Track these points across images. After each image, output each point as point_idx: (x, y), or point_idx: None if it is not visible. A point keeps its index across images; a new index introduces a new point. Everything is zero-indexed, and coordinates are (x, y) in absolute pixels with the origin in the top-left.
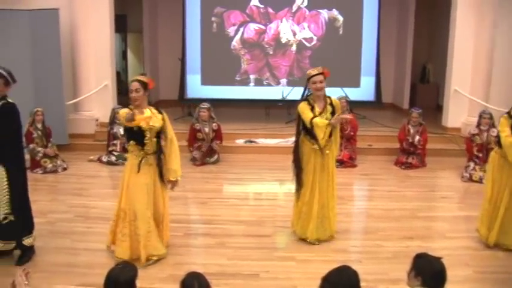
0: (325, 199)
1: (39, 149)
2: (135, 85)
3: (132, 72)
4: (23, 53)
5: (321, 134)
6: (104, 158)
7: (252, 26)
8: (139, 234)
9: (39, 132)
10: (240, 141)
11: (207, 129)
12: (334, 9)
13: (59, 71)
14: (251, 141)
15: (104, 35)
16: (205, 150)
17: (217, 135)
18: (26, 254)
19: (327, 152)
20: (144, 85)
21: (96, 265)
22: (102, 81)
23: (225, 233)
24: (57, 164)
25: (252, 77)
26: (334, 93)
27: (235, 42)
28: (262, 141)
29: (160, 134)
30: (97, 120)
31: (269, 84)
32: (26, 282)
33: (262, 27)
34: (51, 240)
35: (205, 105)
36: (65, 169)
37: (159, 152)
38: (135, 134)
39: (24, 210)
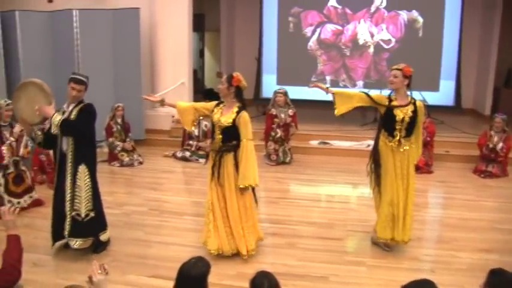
0: (401, 201)
1: (118, 142)
2: (221, 78)
3: (208, 71)
4: (106, 51)
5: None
6: (179, 154)
7: (329, 27)
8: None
9: (119, 127)
10: (314, 143)
11: (283, 115)
12: (414, 11)
13: (138, 68)
14: (325, 143)
15: (182, 33)
16: (282, 135)
17: (293, 120)
18: (102, 244)
19: (402, 150)
20: (229, 80)
21: (168, 258)
22: (179, 79)
23: (294, 234)
24: (133, 158)
25: (328, 78)
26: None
27: (312, 43)
28: (336, 143)
29: (229, 132)
30: (173, 116)
31: (345, 86)
32: (105, 274)
33: (340, 28)
34: (125, 232)
35: (282, 89)
36: (140, 163)
37: (220, 151)
38: (213, 128)
39: (100, 207)
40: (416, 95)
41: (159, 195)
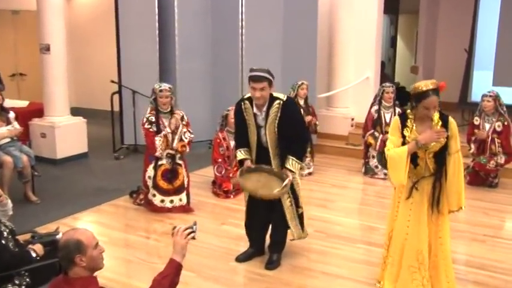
0: None
1: None
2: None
3: (400, 64)
4: (275, 35)
5: None
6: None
7: None
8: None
9: (301, 110)
10: None
11: (487, 126)
12: None
13: (314, 56)
14: None
15: (370, 16)
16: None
17: (502, 137)
18: (275, 259)
19: None
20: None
21: None
22: (363, 73)
23: (506, 287)
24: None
25: None
26: None
27: None
28: None
29: (439, 150)
30: (352, 119)
31: None
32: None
33: None
34: (285, 255)
35: (492, 92)
36: (310, 174)
37: (437, 175)
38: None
39: None
40: None
41: (328, 215)
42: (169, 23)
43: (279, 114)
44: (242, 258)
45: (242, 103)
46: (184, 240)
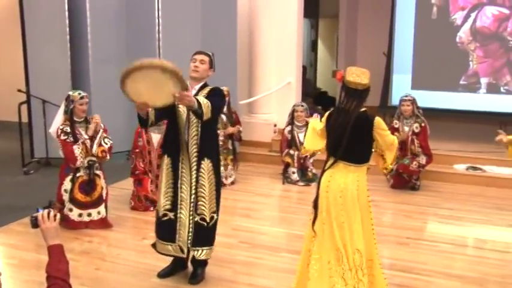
0: None
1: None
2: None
3: (321, 68)
4: (194, 39)
5: None
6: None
7: (490, 11)
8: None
9: (224, 116)
10: (460, 167)
11: (406, 128)
12: None
13: (234, 62)
14: (475, 168)
15: (290, 20)
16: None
17: (420, 138)
18: (199, 273)
19: None
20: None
21: None
22: (284, 78)
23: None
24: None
25: (483, 80)
26: None
27: (463, 33)
28: (492, 170)
29: None
30: (275, 125)
31: (509, 92)
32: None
33: (506, 11)
34: (209, 268)
35: (409, 96)
36: (232, 183)
37: None
38: None
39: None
40: None
41: (252, 225)
42: (81, 27)
43: (206, 95)
44: (164, 273)
45: None
46: (55, 223)
